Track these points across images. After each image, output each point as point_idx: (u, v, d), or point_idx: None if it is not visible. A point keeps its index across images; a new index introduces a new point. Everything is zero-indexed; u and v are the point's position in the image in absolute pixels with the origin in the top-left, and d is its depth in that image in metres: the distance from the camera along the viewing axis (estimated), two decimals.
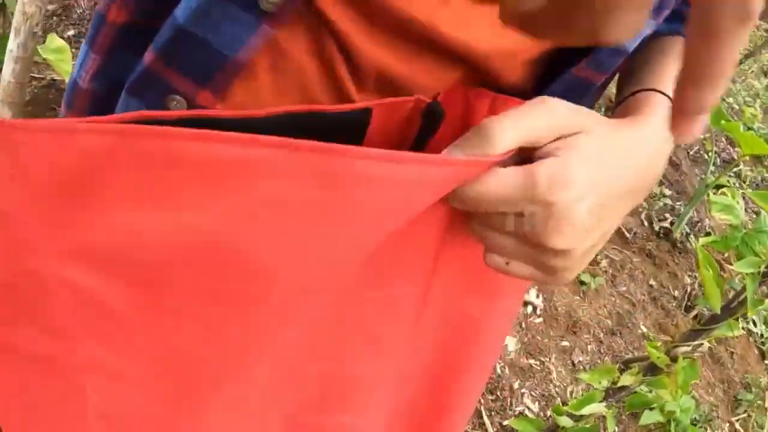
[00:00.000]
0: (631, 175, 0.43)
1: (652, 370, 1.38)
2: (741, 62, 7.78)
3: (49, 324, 0.38)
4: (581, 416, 1.48)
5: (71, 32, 2.38)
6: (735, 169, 5.06)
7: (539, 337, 2.29)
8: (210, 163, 0.30)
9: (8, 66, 0.64)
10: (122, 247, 0.34)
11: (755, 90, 9.83)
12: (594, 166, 0.39)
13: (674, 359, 1.33)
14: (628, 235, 3.27)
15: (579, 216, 0.39)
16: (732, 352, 2.80)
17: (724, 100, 6.82)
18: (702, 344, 1.31)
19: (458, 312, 0.53)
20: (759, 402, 2.57)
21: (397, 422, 0.57)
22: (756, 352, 2.87)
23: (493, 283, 0.52)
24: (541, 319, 2.38)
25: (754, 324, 3.00)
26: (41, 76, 2.11)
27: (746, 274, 1.22)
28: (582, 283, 2.69)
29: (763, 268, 1.20)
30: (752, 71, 9.66)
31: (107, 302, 0.36)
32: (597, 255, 2.77)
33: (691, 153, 4.82)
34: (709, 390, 2.52)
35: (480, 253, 0.44)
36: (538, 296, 2.48)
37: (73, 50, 1.75)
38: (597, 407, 1.39)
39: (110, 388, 0.41)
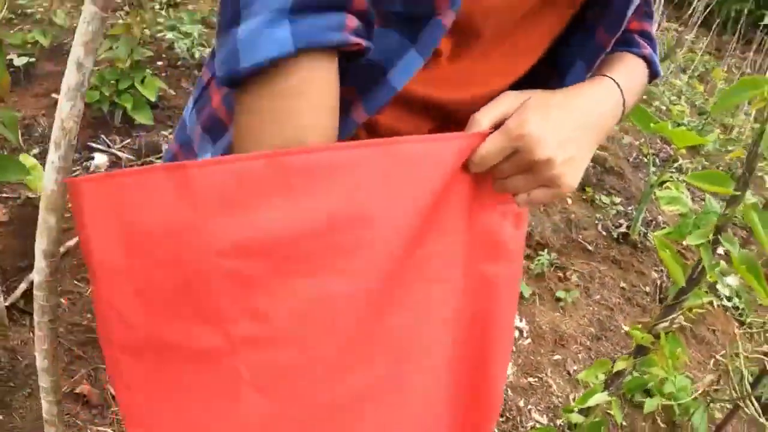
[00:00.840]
0: (579, 110, 0.68)
1: (640, 352, 1.54)
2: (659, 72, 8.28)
3: (210, 312, 0.54)
4: (589, 413, 1.63)
5: (36, 150, 2.51)
6: (675, 165, 5.39)
7: (532, 357, 2.43)
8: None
9: (51, 176, 0.79)
10: (274, 236, 0.54)
11: (678, 87, 10.34)
12: (541, 108, 0.64)
13: (657, 336, 1.49)
14: (590, 247, 3.47)
15: (543, 133, 0.63)
16: (714, 330, 2.99)
17: (650, 104, 7.23)
18: (678, 317, 1.48)
19: (480, 278, 0.71)
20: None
21: (450, 375, 0.72)
22: (736, 324, 3.07)
23: (503, 250, 0.72)
24: (529, 340, 2.53)
25: (728, 299, 3.21)
26: (15, 195, 2.21)
27: (698, 245, 1.40)
28: (558, 299, 2.86)
29: (711, 237, 1.39)
30: (671, 71, 10.19)
31: (258, 277, 0.54)
32: (566, 271, 2.95)
33: (631, 160, 5.12)
34: (702, 369, 2.69)
35: (491, 227, 0.66)
36: (521, 320, 2.63)
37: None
38: (601, 396, 1.53)
39: (263, 357, 0.56)
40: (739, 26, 14.16)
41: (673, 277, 1.43)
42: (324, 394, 0.60)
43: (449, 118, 0.72)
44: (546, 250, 3.10)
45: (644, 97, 7.57)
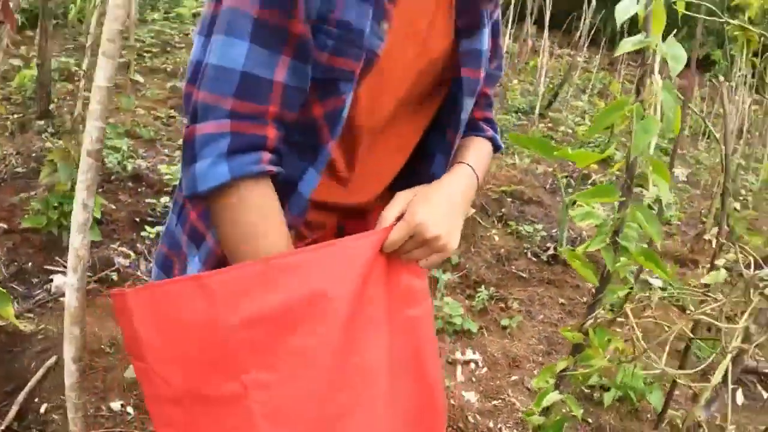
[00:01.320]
0: (449, 195, 1.00)
1: (576, 350, 1.79)
2: (557, 92, 8.87)
3: (229, 368, 0.82)
4: (549, 414, 1.86)
5: None
6: (590, 181, 5.83)
7: (491, 382, 2.67)
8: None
9: (72, 295, 0.99)
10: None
11: (580, 108, 10.95)
12: (424, 201, 0.96)
13: (586, 333, 1.75)
14: (524, 275, 3.76)
15: (429, 219, 0.93)
16: (655, 321, 3.29)
17: (557, 129, 7.72)
18: (598, 311, 1.75)
19: (406, 319, 0.99)
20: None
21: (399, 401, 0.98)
22: (675, 309, 3.39)
23: (416, 297, 1.01)
24: (485, 369, 2.77)
25: (663, 289, 3.54)
26: None
27: (601, 248, 1.68)
28: (504, 327, 3.12)
29: (609, 239, 1.67)
30: (571, 94, 10.80)
31: (261, 340, 0.80)
32: (507, 301, 3.21)
33: (547, 187, 5.52)
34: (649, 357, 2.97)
35: (405, 283, 0.98)
36: (475, 353, 2.87)
37: None
38: (554, 396, 1.76)
39: (269, 394, 0.82)
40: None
41: (589, 280, 1.70)
42: (316, 415, 0.86)
43: (356, 212, 1.09)
44: (483, 286, 3.38)
45: (550, 123, 8.10)
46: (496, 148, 1.22)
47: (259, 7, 0.82)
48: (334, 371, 0.87)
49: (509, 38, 11.37)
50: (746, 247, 1.60)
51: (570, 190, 5.26)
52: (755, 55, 6.52)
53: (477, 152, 1.14)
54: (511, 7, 8.62)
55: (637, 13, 1.35)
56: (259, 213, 0.87)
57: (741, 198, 7.22)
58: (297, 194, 0.94)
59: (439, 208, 0.97)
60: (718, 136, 3.31)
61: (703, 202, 6.38)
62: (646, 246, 1.73)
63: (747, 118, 11.29)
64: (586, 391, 2.73)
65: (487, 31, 1.06)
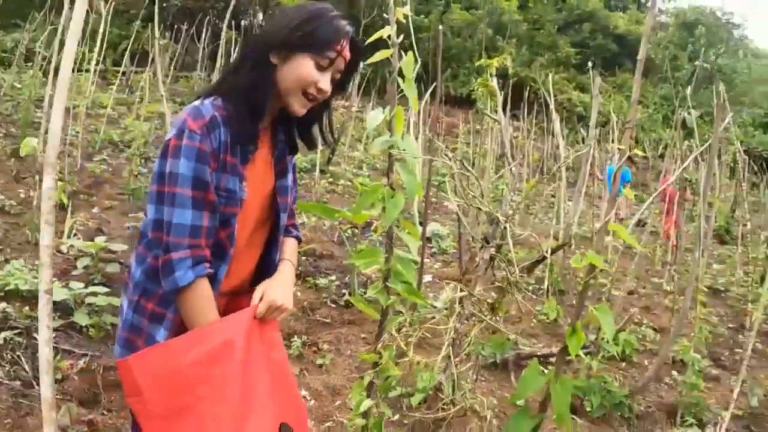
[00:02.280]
0: (286, 280, 1.85)
1: (375, 367, 2.60)
2: (334, 148, 9.77)
3: (190, 388, 1.55)
4: (368, 417, 2.63)
5: None
6: (372, 227, 6.79)
7: (320, 410, 3.41)
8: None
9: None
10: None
11: (357, 158, 11.91)
12: (274, 286, 1.79)
13: (380, 353, 2.57)
14: (327, 320, 4.58)
15: (278, 295, 1.76)
16: (439, 336, 4.25)
17: (337, 183, 8.62)
18: (384, 336, 2.57)
19: (273, 361, 1.73)
20: None
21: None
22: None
23: (277, 344, 1.79)
24: (313, 401, 3.51)
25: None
26: None
27: (376, 293, 2.51)
28: (321, 365, 3.89)
29: (381, 284, 2.50)
30: (348, 146, 11.74)
31: (203, 371, 1.56)
32: (317, 344, 4.02)
33: (335, 240, 6.40)
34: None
35: (270, 335, 1.76)
36: (302, 390, 3.61)
37: None
38: (368, 402, 2.53)
39: (208, 400, 1.55)
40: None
41: (372, 316, 2.51)
42: (232, 414, 1.56)
43: (233, 293, 1.83)
44: (296, 336, 4.14)
45: (331, 178, 8.99)
46: (299, 241, 2.08)
47: (191, 191, 1.56)
48: (240, 387, 1.58)
49: None
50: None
51: (354, 239, 6.20)
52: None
53: (291, 249, 1.99)
54: None
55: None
56: (205, 299, 1.60)
57: (509, 218, 8.49)
58: (217, 280, 1.68)
59: (281, 288, 1.78)
60: (480, 165, 4.29)
61: (472, 229, 7.57)
62: (410, 284, 2.57)
63: (508, 143, 13.08)
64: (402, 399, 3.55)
65: (290, 175, 1.92)
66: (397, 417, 3.45)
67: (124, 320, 1.72)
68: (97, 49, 6.63)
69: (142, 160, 7.34)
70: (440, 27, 4.77)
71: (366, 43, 1.87)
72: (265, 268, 1.88)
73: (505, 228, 2.29)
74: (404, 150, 2.25)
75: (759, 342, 5.94)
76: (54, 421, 1.62)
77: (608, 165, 10.60)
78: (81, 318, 3.60)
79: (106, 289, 3.79)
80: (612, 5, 34.02)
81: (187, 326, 1.62)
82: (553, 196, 9.62)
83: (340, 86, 1.82)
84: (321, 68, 1.68)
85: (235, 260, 1.74)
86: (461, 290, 2.24)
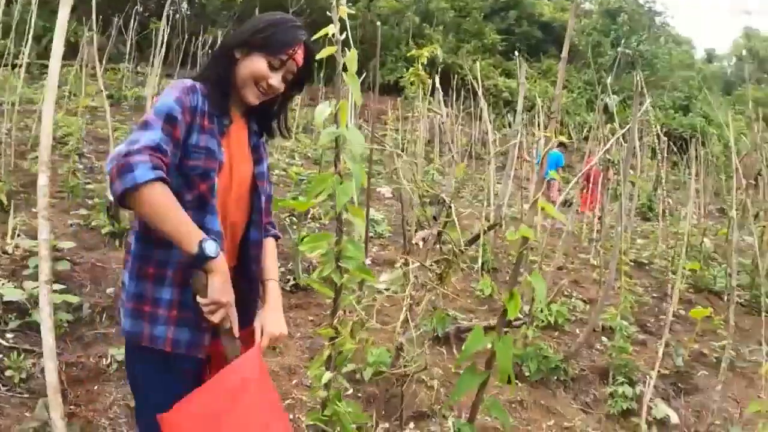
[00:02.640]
0: (277, 306, 2.17)
1: (332, 340, 2.82)
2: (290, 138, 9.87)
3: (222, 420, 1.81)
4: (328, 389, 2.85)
5: None
6: (309, 215, 7.01)
7: (281, 389, 3.60)
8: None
9: None
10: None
11: (289, 148, 11.92)
12: (268, 318, 2.09)
13: (336, 329, 2.79)
14: None
15: (275, 326, 2.09)
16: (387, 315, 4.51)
17: (272, 173, 8.75)
18: (339, 313, 2.80)
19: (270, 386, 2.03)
20: None
21: None
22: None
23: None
24: (273, 381, 3.72)
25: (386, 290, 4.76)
26: None
27: (331, 272, 2.73)
28: (274, 348, 4.08)
29: (334, 264, 2.72)
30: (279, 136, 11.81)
31: (230, 407, 1.82)
32: None
33: (277, 229, 6.57)
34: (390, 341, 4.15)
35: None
36: None
37: None
38: (327, 375, 2.74)
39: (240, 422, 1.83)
40: (325, 76, 16.56)
41: (326, 295, 2.73)
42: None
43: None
44: None
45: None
46: (277, 239, 2.28)
47: (162, 122, 1.74)
48: (261, 411, 1.84)
49: None
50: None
51: (294, 227, 6.41)
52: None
53: (272, 258, 2.22)
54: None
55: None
56: (168, 196, 1.67)
57: (453, 197, 8.77)
58: (215, 232, 1.85)
59: (275, 315, 2.08)
60: (412, 151, 4.55)
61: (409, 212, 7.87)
62: (361, 262, 2.79)
63: (437, 129, 13.40)
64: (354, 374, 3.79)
65: (265, 164, 2.14)
66: (351, 391, 3.70)
67: (128, 293, 1.87)
68: (25, 43, 6.55)
69: (78, 156, 7.32)
70: (378, 23, 5.00)
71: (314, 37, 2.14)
72: (248, 248, 2.10)
73: (449, 207, 2.54)
74: (350, 138, 2.50)
75: (682, 309, 6.42)
76: (60, 405, 1.78)
77: (539, 149, 11.07)
78: (39, 316, 3.63)
79: (61, 286, 3.88)
80: None
81: (154, 228, 1.70)
82: (482, 179, 10.02)
83: (296, 86, 2.13)
84: (273, 68, 1.98)
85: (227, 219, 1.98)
86: (413, 262, 2.49)
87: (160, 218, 1.68)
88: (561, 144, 11.50)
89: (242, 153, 2.05)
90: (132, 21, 14.20)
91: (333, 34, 2.19)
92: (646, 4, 33.84)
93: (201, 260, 1.73)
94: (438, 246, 2.60)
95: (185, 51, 15.74)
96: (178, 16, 18.20)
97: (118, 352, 3.47)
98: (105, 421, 3.07)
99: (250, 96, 2.00)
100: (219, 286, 1.78)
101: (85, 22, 11.60)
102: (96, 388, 3.31)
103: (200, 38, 16.41)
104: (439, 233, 2.54)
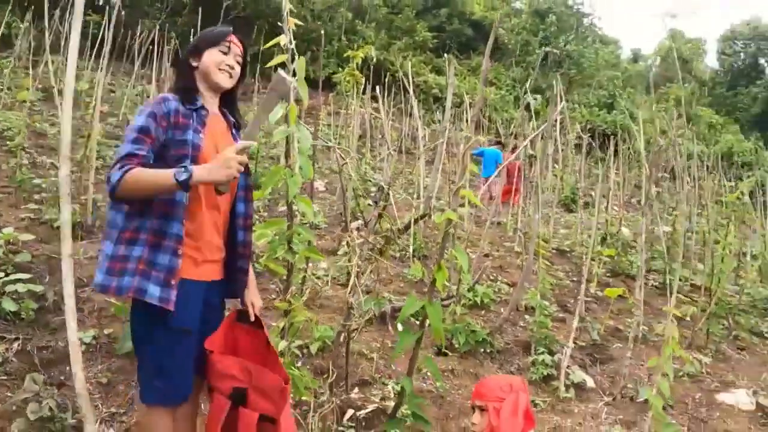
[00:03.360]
0: (254, 278, 2.73)
1: (287, 314, 3.25)
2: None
3: None
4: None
5: None
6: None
7: None
8: None
9: None
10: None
11: None
12: (254, 293, 2.82)
13: (290, 302, 3.22)
14: None
15: (258, 299, 2.84)
16: (331, 299, 4.94)
17: None
18: (291, 289, 3.23)
19: None
20: None
21: None
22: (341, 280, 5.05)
23: None
24: None
25: (322, 276, 5.20)
26: None
27: (284, 253, 3.16)
28: None
29: (287, 247, 3.15)
30: None
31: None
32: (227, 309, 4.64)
33: None
34: (337, 321, 4.59)
35: None
36: None
37: None
38: (283, 343, 3.17)
39: None
40: (258, 70, 16.67)
41: (280, 273, 3.16)
42: None
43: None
44: None
45: None
46: None
47: (136, 134, 2.22)
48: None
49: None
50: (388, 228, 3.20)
51: None
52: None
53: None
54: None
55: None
56: (136, 176, 2.12)
57: (372, 194, 9.20)
58: (177, 202, 2.26)
59: (256, 292, 2.73)
60: (341, 149, 5.01)
61: (341, 205, 8.25)
62: (311, 243, 3.22)
63: (368, 124, 13.88)
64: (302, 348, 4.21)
65: None
66: (300, 363, 4.14)
67: (106, 255, 2.24)
68: None
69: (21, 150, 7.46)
70: (322, 29, 5.37)
71: (264, 47, 2.69)
72: (236, 219, 2.57)
73: (388, 192, 3.02)
74: (299, 135, 2.95)
75: (600, 291, 7.08)
76: (79, 360, 2.14)
77: (478, 147, 11.67)
78: (9, 305, 3.90)
79: (28, 276, 4.18)
80: None
81: (147, 198, 2.21)
82: (411, 173, 10.51)
83: (243, 70, 2.62)
84: (224, 53, 2.49)
85: (201, 219, 2.36)
86: (361, 237, 2.95)
87: (141, 190, 2.15)
88: (498, 142, 12.16)
89: (226, 139, 2.50)
90: (68, 14, 14.11)
91: (284, 44, 2.66)
92: (574, 5, 35.12)
93: (184, 184, 2.12)
94: (377, 227, 3.07)
95: (121, 45, 15.76)
96: (113, 7, 18.06)
97: (85, 335, 3.81)
98: (68, 401, 3.32)
99: (221, 80, 2.50)
100: (211, 169, 2.17)
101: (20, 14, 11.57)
102: (68, 369, 3.57)
103: (138, 33, 16.39)
104: (380, 215, 3.00)
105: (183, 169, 2.13)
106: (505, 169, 10.33)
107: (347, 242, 3.10)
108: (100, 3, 20.09)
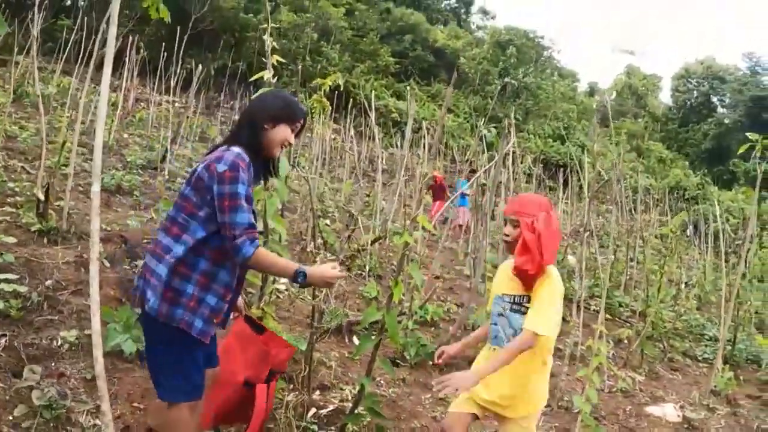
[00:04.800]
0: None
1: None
2: (168, 148, 10.30)
3: None
4: None
5: None
6: None
7: None
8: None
9: None
10: None
11: (187, 157, 12.27)
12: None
13: (263, 309, 3.64)
14: None
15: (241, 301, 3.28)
16: (302, 301, 5.36)
17: (174, 181, 9.30)
18: (265, 297, 3.66)
19: None
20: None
21: None
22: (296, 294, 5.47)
23: None
24: None
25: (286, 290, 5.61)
26: None
27: None
28: None
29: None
30: (178, 144, 12.07)
31: None
32: None
33: None
34: (303, 326, 5.00)
35: None
36: None
37: None
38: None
39: None
40: (224, 84, 16.86)
41: (255, 283, 3.58)
42: None
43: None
44: None
45: (168, 176, 9.59)
46: None
47: (243, 203, 2.59)
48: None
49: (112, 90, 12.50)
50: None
51: None
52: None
53: None
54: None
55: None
56: (269, 255, 2.62)
57: (330, 214, 9.57)
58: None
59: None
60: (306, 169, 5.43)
61: (300, 224, 8.51)
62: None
63: (329, 147, 14.29)
64: None
65: None
66: None
67: (160, 279, 2.59)
68: None
69: None
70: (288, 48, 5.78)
71: (250, 80, 3.16)
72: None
73: (356, 218, 3.47)
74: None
75: None
76: (99, 345, 2.51)
77: (460, 179, 12.18)
78: None
79: (15, 276, 4.49)
80: (433, 18, 36.53)
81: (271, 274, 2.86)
82: (368, 195, 10.96)
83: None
84: (292, 131, 2.83)
85: (235, 269, 2.75)
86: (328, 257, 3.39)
87: (262, 269, 2.82)
88: (472, 171, 12.70)
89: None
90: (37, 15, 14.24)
91: (267, 78, 3.18)
92: (535, 38, 36.23)
93: (300, 283, 2.61)
94: (347, 246, 3.53)
95: (86, 48, 15.92)
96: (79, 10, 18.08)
97: (68, 335, 4.12)
98: (67, 390, 3.65)
99: (277, 153, 2.85)
100: (320, 279, 2.64)
101: None
102: (53, 365, 3.90)
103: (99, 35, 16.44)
104: (349, 236, 3.47)
105: (302, 273, 2.59)
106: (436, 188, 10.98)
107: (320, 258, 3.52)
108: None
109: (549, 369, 3.03)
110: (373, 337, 3.31)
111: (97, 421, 3.46)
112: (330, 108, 8.21)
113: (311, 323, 3.44)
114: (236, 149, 2.68)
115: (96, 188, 2.49)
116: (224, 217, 2.57)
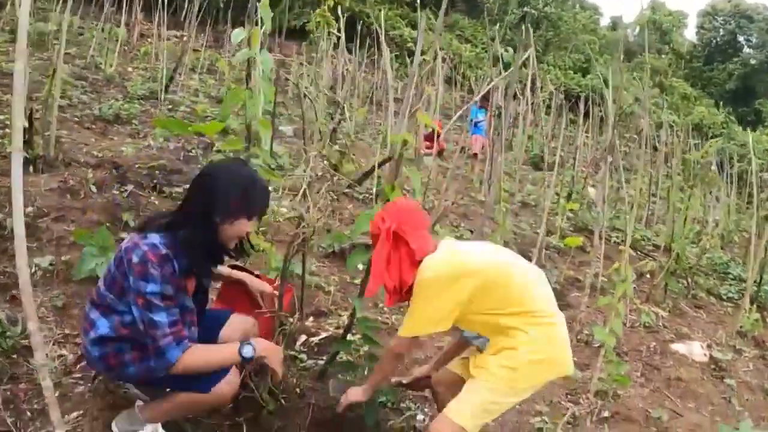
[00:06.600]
0: None
1: None
2: (172, 76, 9.93)
3: None
4: None
5: None
6: (214, 149, 7.28)
7: None
8: None
9: None
10: None
11: (194, 87, 11.97)
12: None
13: None
14: None
15: None
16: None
17: (177, 110, 8.88)
18: None
19: None
20: None
21: None
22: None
23: None
24: None
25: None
26: None
27: None
28: None
29: None
30: (184, 74, 11.72)
31: None
32: None
33: (181, 158, 6.83)
34: None
35: None
36: None
37: None
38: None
39: None
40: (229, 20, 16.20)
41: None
42: None
43: None
44: None
45: (170, 105, 9.27)
46: None
47: (162, 302, 2.20)
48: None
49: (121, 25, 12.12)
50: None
51: (201, 155, 6.75)
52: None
53: None
54: None
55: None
56: (198, 353, 2.27)
57: (339, 140, 9.15)
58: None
59: None
60: (312, 97, 4.96)
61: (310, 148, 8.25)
62: (268, 164, 3.19)
63: (341, 75, 13.77)
64: None
65: None
66: None
67: (102, 356, 2.37)
68: None
69: None
70: None
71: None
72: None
73: (343, 107, 3.00)
74: (262, 59, 2.94)
75: (562, 242, 7.17)
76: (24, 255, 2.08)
77: (473, 107, 11.77)
78: None
79: None
80: None
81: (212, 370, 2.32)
82: (380, 124, 10.46)
83: None
84: (252, 220, 2.38)
85: None
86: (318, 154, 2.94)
87: (206, 369, 2.31)
88: (485, 98, 12.19)
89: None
90: None
91: None
92: None
93: (248, 359, 2.35)
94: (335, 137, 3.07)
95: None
96: None
97: (42, 260, 3.80)
98: (18, 315, 3.31)
99: (232, 246, 2.43)
100: (273, 356, 2.46)
101: None
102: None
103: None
104: (334, 129, 3.01)
105: (248, 345, 2.34)
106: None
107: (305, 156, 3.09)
108: None
109: (542, 335, 2.53)
110: (364, 252, 2.87)
111: (64, 351, 3.16)
112: (334, 24, 7.71)
113: (293, 241, 2.97)
114: (153, 239, 2.25)
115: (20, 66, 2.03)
116: (141, 314, 2.23)
